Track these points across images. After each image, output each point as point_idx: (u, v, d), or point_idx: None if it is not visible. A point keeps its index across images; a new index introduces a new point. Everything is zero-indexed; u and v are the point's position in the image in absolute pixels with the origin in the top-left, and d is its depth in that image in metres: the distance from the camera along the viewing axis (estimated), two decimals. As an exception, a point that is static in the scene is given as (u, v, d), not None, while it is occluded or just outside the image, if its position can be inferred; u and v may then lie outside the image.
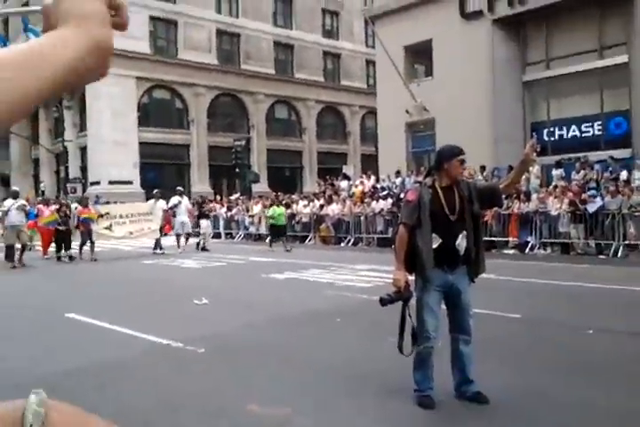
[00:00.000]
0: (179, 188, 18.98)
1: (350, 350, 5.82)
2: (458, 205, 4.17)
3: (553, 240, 14.59)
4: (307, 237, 20.26)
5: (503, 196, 4.56)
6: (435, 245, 4.13)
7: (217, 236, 21.47)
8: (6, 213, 14.43)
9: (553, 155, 19.95)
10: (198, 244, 17.84)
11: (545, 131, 21.16)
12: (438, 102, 21.94)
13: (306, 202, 21.52)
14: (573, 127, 20.57)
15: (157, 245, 17.06)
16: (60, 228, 15.59)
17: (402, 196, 13.76)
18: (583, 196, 14.23)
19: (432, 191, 4.21)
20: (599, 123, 19.97)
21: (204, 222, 18.68)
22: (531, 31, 21.53)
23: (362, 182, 22.57)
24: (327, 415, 4.07)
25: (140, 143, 34.01)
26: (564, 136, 20.81)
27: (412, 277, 4.28)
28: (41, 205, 16.83)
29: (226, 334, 6.55)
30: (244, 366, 5.33)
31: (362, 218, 18.63)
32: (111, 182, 31.92)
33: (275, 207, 18.00)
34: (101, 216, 16.26)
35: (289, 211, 20.16)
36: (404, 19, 23.42)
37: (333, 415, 4.07)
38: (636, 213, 13.24)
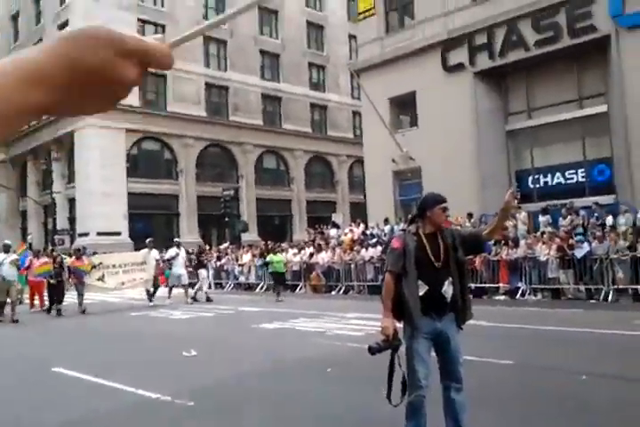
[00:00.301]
0: (176, 239, 18.84)
1: (342, 400, 5.72)
2: (442, 252, 4.20)
3: (543, 286, 14.61)
4: (297, 285, 20.15)
5: (487, 243, 4.62)
6: (421, 293, 4.13)
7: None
8: None
9: (539, 201, 20.23)
10: (195, 294, 17.53)
11: (530, 178, 21.53)
12: (423, 151, 22.33)
13: (296, 250, 21.51)
14: (558, 174, 20.95)
15: (149, 295, 16.66)
16: (52, 281, 15.25)
17: (391, 243, 13.79)
18: (570, 241, 14.36)
19: (416, 238, 4.24)
20: (582, 170, 20.36)
21: (203, 272, 18.44)
22: (512, 82, 22.18)
23: (351, 230, 22.64)
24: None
25: (129, 194, 34.12)
26: (549, 183, 21.16)
27: (400, 325, 4.27)
28: (31, 257, 16.46)
29: (215, 387, 6.44)
30: (233, 419, 5.24)
31: (352, 266, 18.60)
32: (99, 233, 31.80)
33: (272, 255, 17.85)
34: (94, 267, 15.96)
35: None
36: (388, 72, 24.08)
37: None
38: (624, 258, 13.35)
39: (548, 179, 21.15)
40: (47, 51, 0.62)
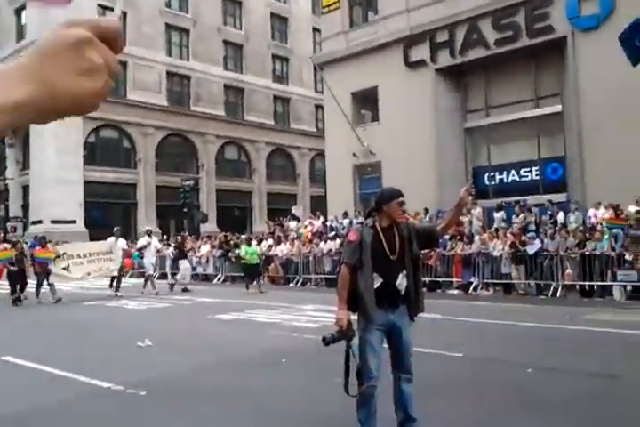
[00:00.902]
0: (148, 228, 18.36)
1: (296, 391, 5.79)
2: (398, 246, 4.29)
3: (495, 281, 14.98)
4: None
5: (443, 238, 4.76)
6: (376, 285, 4.22)
7: (163, 276, 21.08)
8: None
9: (494, 198, 20.66)
10: (172, 285, 17.28)
11: (486, 175, 21.96)
12: (384, 146, 22.54)
13: (255, 242, 21.45)
14: (513, 172, 21.43)
15: (115, 285, 16.19)
16: (12, 268, 14.68)
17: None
18: (523, 238, 14.73)
19: (373, 232, 4.32)
20: (537, 168, 20.88)
21: (185, 263, 18.06)
22: (471, 80, 22.54)
23: (310, 223, 22.74)
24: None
25: (86, 182, 33.46)
26: (504, 180, 21.64)
27: (354, 317, 4.36)
28: None
29: (168, 377, 6.44)
30: (185, 409, 5.24)
31: (310, 258, 18.69)
32: (54, 222, 31.11)
33: (245, 246, 17.27)
34: (58, 257, 15.46)
35: (238, 251, 19.97)
36: (351, 66, 24.19)
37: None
38: (573, 255, 13.77)
39: (504, 176, 21.62)
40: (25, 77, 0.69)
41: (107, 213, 34.91)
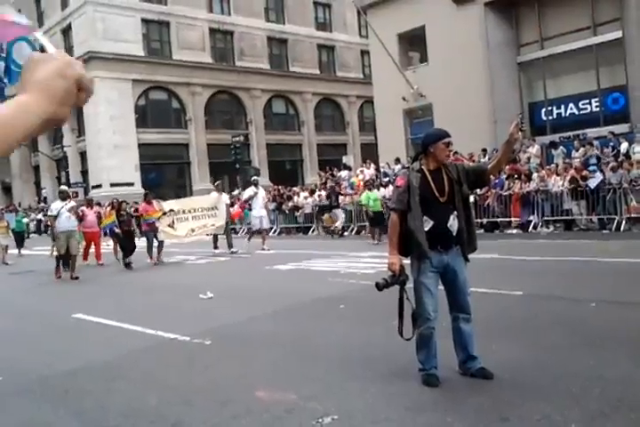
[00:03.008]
0: (255, 177, 16.60)
1: (355, 335, 5.83)
2: (447, 187, 4.22)
3: (555, 218, 14.58)
4: (309, 227, 20.28)
5: (500, 178, 4.62)
6: (427, 228, 4.17)
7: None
8: (55, 217, 12.25)
9: (552, 133, 19.89)
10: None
11: (543, 110, 21.10)
12: (434, 88, 21.90)
13: (307, 194, 21.52)
14: (571, 105, 20.49)
15: (227, 242, 15.13)
16: (117, 230, 13.97)
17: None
18: (584, 172, 14.20)
19: (420, 175, 4.25)
20: (596, 99, 19.88)
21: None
22: (523, 12, 21.41)
23: (362, 171, 22.56)
24: (334, 399, 4.09)
25: (140, 145, 34.08)
26: (563, 115, 20.74)
27: (407, 261, 4.31)
28: (84, 207, 14.56)
29: (231, 326, 6.58)
30: (250, 356, 5.36)
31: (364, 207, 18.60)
32: (112, 185, 32.01)
33: (367, 192, 16.15)
34: (165, 213, 14.48)
35: (291, 203, 20.11)
36: (396, 7, 23.32)
37: (340, 399, 4.10)
38: (637, 187, 13.20)
39: (562, 110, 20.70)
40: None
41: (162, 174, 35.66)
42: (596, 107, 19.91)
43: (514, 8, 21.41)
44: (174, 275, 12.19)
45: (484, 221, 15.68)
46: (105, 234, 15.04)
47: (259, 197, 15.69)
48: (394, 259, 4.24)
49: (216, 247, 15.21)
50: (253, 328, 6.47)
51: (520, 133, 4.22)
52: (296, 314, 7.05)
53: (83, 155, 35.83)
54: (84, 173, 35.62)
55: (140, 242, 14.66)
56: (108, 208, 15.64)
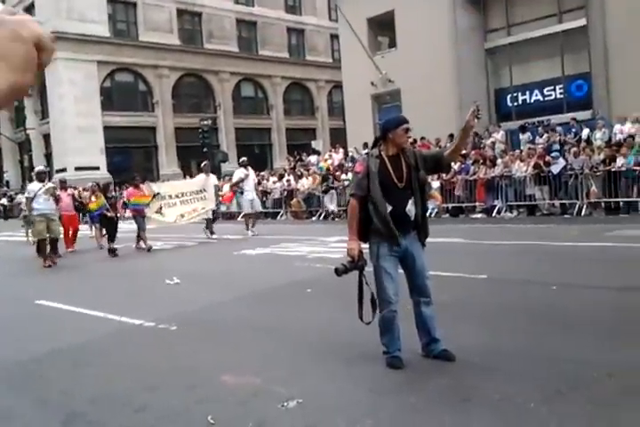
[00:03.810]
0: (243, 158, 15.80)
1: (321, 319, 5.89)
2: (405, 173, 4.27)
3: (519, 203, 14.85)
4: (278, 212, 20.29)
5: (448, 163, 4.66)
6: (387, 211, 4.22)
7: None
8: (32, 199, 11.54)
9: (517, 119, 20.16)
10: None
11: (508, 96, 21.35)
12: (403, 73, 21.94)
13: (276, 178, 21.49)
14: (536, 92, 20.78)
15: (210, 228, 14.66)
16: (109, 214, 13.19)
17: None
18: (547, 158, 14.45)
19: (379, 161, 4.30)
20: (561, 86, 20.18)
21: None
22: (491, -2, 21.52)
23: (330, 156, 22.58)
24: (299, 383, 4.14)
25: (105, 128, 33.49)
26: (527, 101, 21.03)
27: (365, 246, 4.36)
28: (59, 191, 13.41)
29: (198, 312, 6.57)
30: (216, 341, 5.37)
31: (332, 191, 18.67)
32: (77, 169, 31.45)
33: None
34: (154, 196, 13.68)
35: (260, 188, 20.00)
36: (366, -10, 23.22)
37: (305, 382, 4.15)
38: (598, 173, 13.50)
39: (527, 96, 20.99)
40: None
41: (128, 157, 35.16)
42: (560, 93, 20.22)
43: (482, -6, 21.51)
44: (140, 260, 12.10)
45: (450, 206, 15.90)
46: (90, 219, 14.38)
47: (249, 180, 15.09)
48: (353, 244, 4.28)
49: (212, 233, 14.63)
50: (220, 313, 6.48)
51: (476, 120, 4.29)
52: (263, 299, 7.08)
53: (46, 137, 35.08)
54: (48, 156, 34.92)
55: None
56: (89, 192, 14.82)
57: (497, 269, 7.77)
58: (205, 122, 30.05)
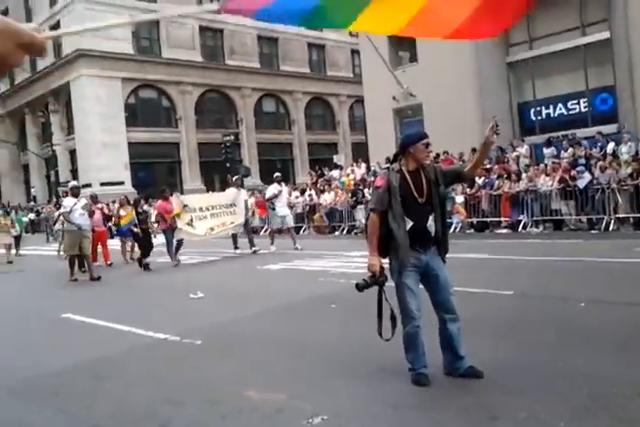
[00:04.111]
0: (277, 174, 15.52)
1: (346, 334, 5.84)
2: (425, 188, 4.24)
3: (545, 218, 14.66)
4: (301, 227, 20.28)
5: (468, 178, 4.63)
6: (407, 228, 4.20)
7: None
8: (69, 213, 11.51)
9: (541, 133, 20.00)
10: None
11: (532, 110, 21.20)
12: (424, 87, 21.95)
13: (298, 193, 21.53)
14: (560, 105, 20.61)
15: (236, 242, 14.46)
16: (135, 230, 13.24)
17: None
18: (572, 172, 14.28)
19: (400, 176, 4.28)
20: (585, 100, 20.00)
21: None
22: (512, 12, 21.45)
23: (352, 171, 22.58)
24: (323, 399, 4.10)
25: (130, 143, 33.96)
26: (551, 115, 20.85)
27: (386, 261, 4.32)
28: (90, 204, 13.12)
29: (222, 326, 6.57)
30: (240, 356, 5.36)
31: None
32: (102, 184, 31.87)
33: None
34: (186, 206, 13.57)
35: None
36: (385, 5, 23.31)
37: (329, 398, 4.11)
38: (625, 187, 13.30)
39: (550, 110, 20.82)
40: None
41: (152, 172, 35.56)
42: (585, 107, 20.03)
43: (504, 8, 21.46)
44: (165, 275, 12.14)
45: (475, 220, 15.76)
46: (119, 234, 14.44)
47: (282, 196, 14.89)
48: (373, 260, 4.25)
49: (237, 247, 14.41)
50: (244, 328, 6.46)
51: (495, 136, 4.26)
52: (287, 314, 7.06)
53: (72, 153, 35.65)
54: (74, 171, 35.45)
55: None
56: (118, 206, 14.92)
57: (523, 284, 7.66)
58: (228, 137, 30.32)
